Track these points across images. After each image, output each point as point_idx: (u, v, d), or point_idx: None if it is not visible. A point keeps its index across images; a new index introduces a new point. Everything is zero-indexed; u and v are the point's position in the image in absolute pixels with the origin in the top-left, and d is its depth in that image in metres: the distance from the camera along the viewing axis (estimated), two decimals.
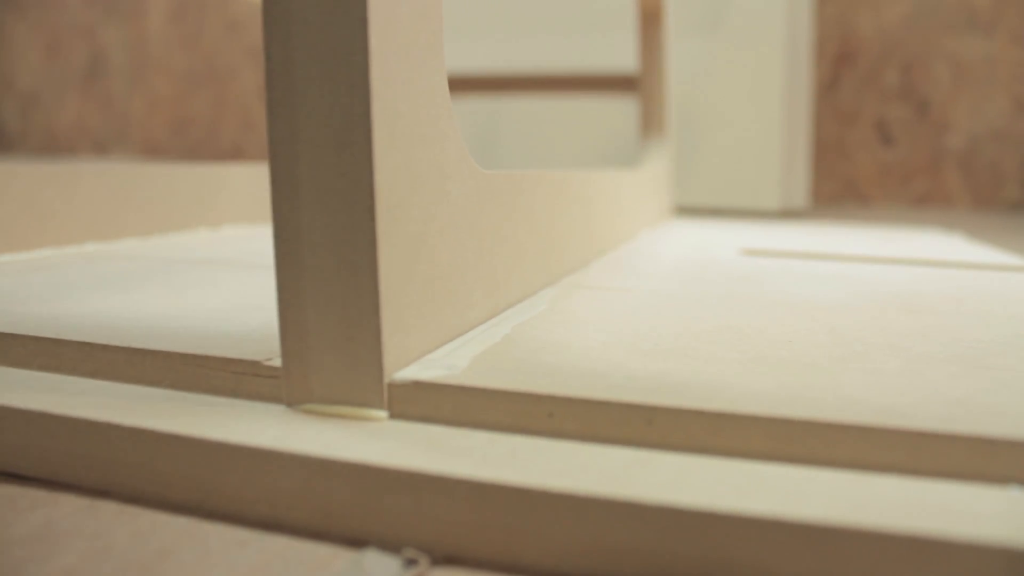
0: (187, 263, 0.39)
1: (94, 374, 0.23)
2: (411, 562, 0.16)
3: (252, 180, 0.59)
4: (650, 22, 0.76)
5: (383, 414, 0.19)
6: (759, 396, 0.19)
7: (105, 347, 0.23)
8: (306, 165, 0.19)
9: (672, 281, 0.37)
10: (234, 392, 0.21)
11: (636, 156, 1.02)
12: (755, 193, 0.99)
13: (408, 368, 0.20)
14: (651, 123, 0.78)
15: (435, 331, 0.22)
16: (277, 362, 0.21)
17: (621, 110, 1.04)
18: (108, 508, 0.19)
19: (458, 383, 0.19)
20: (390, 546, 0.17)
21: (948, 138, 1.28)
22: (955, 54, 1.25)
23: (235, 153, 1.64)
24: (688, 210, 1.01)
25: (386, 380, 0.19)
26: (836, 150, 1.33)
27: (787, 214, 1.02)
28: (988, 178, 1.26)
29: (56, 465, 0.20)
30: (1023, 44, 1.22)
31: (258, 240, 0.50)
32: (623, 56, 1.02)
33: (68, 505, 0.19)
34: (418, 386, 0.20)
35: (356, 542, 0.17)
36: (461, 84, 0.99)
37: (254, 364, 0.21)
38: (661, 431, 0.18)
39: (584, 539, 0.16)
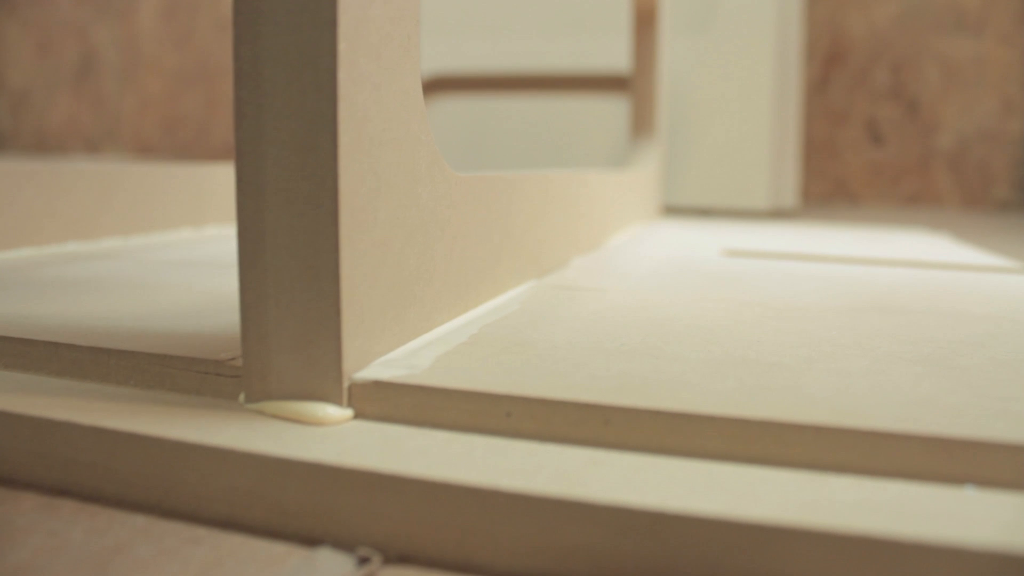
0: (166, 263, 0.39)
1: (60, 373, 0.23)
2: (364, 560, 0.16)
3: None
4: (645, 23, 0.76)
5: (343, 414, 0.19)
6: (718, 396, 0.19)
7: (71, 347, 0.23)
8: (272, 167, 0.19)
9: (648, 282, 0.38)
10: (198, 391, 0.21)
11: (626, 155, 1.02)
12: (744, 193, 0.99)
13: (369, 368, 0.20)
14: (642, 124, 0.78)
15: (400, 331, 0.22)
16: (240, 362, 0.21)
17: (612, 110, 1.04)
18: (67, 506, 0.19)
19: (418, 383, 0.19)
20: (344, 544, 0.17)
21: (938, 138, 1.28)
22: (944, 54, 1.26)
23: (227, 152, 1.64)
24: (677, 210, 1.02)
25: (346, 380, 0.19)
26: (826, 150, 1.33)
27: (776, 214, 1.02)
28: (977, 178, 1.27)
29: (16, 464, 0.20)
30: (1012, 44, 1.22)
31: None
32: (613, 56, 1.02)
33: (27, 503, 0.19)
34: (378, 386, 0.20)
35: (311, 540, 0.17)
36: (452, 84, 0.99)
37: (217, 363, 0.21)
38: (618, 431, 0.18)
39: (536, 539, 0.16)
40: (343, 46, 0.18)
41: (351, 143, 0.19)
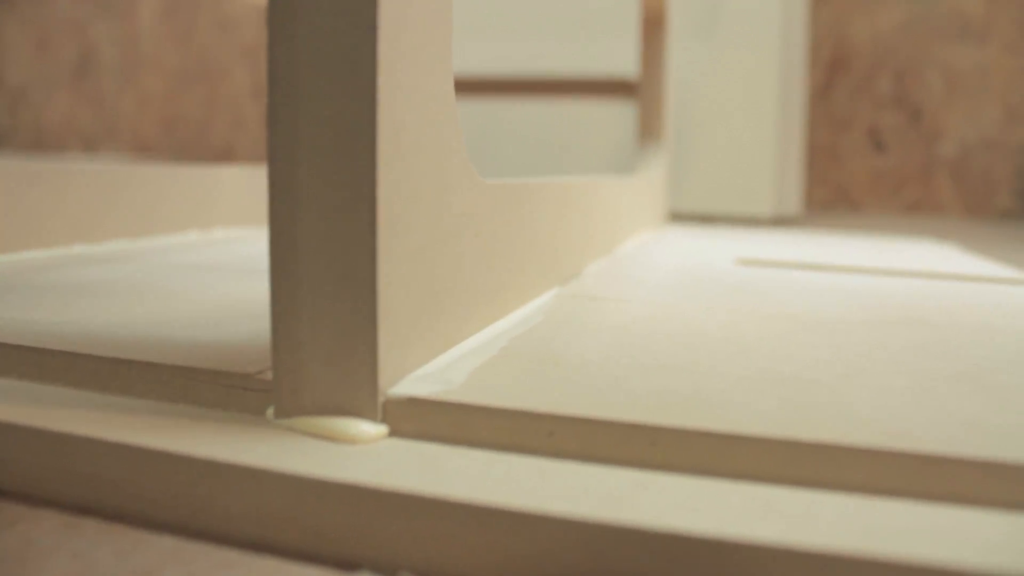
0: (177, 267, 0.39)
1: (78, 385, 0.22)
2: None
3: (244, 182, 0.58)
4: (653, 27, 0.76)
5: (378, 431, 0.19)
6: (764, 415, 0.19)
7: (89, 357, 0.22)
8: (306, 173, 0.18)
9: (668, 291, 0.37)
10: (224, 405, 0.21)
11: (630, 161, 1.02)
12: (748, 199, 0.99)
13: (403, 383, 0.20)
14: (649, 129, 0.77)
15: (431, 344, 0.22)
16: (269, 375, 0.20)
17: (611, 115, 1.03)
18: (90, 526, 0.18)
19: (455, 400, 0.19)
20: (384, 569, 0.16)
21: (940, 146, 1.28)
22: (948, 62, 1.26)
23: (226, 153, 1.63)
24: (680, 216, 1.01)
25: (381, 396, 0.19)
26: (828, 156, 1.33)
27: (780, 221, 1.02)
28: (980, 187, 1.26)
29: (36, 480, 0.19)
30: (1016, 53, 1.22)
31: (249, 244, 0.50)
32: (616, 61, 1.02)
33: (49, 522, 0.18)
34: (414, 403, 0.19)
35: (348, 564, 0.17)
36: (456, 87, 0.98)
37: (245, 377, 0.20)
38: (665, 452, 0.18)
39: (586, 564, 0.15)
40: (383, 49, 0.18)
41: (389, 149, 0.18)
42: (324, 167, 0.18)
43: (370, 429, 0.19)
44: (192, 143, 1.65)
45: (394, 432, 0.19)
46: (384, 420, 0.19)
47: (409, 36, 0.19)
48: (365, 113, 0.18)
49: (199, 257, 0.42)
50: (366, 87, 0.18)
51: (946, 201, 1.29)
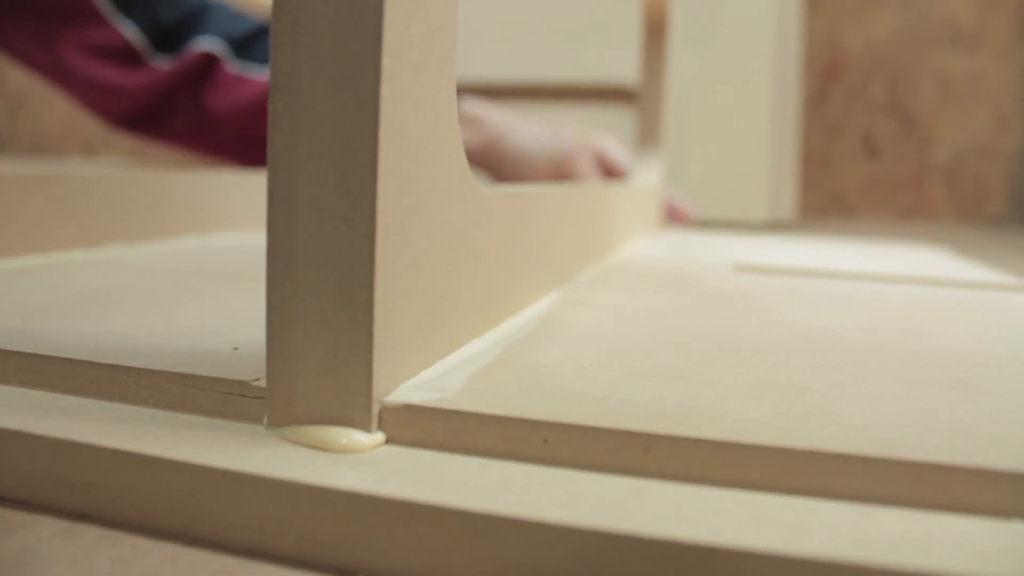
0: (175, 274, 0.39)
1: (76, 392, 0.22)
2: None
3: (241, 187, 0.58)
4: (655, 34, 0.76)
5: (372, 440, 0.19)
6: (757, 423, 0.19)
7: (89, 363, 0.22)
8: (305, 183, 0.18)
9: (664, 297, 0.37)
10: (221, 413, 0.21)
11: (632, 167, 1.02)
12: (743, 205, 0.99)
13: (398, 391, 0.20)
14: (648, 135, 0.77)
15: (427, 353, 0.22)
16: (265, 382, 0.20)
17: (613, 121, 1.04)
18: (89, 532, 0.18)
19: (451, 407, 0.19)
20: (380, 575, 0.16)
21: (933, 152, 1.28)
22: (940, 70, 1.26)
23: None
24: None
25: (375, 405, 0.19)
26: (822, 163, 1.33)
27: (774, 226, 1.02)
28: (972, 192, 1.27)
29: (33, 487, 0.19)
30: (1007, 60, 1.23)
31: (247, 250, 0.50)
32: (615, 68, 1.02)
33: (46, 529, 0.18)
34: (409, 410, 0.19)
35: (345, 571, 0.17)
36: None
37: (241, 384, 0.20)
38: (659, 459, 0.18)
39: (581, 571, 0.16)
40: (387, 62, 0.18)
41: (390, 161, 0.18)
42: (324, 178, 0.18)
43: (363, 439, 0.19)
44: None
45: (389, 440, 0.19)
46: (379, 428, 0.19)
47: (413, 47, 0.19)
48: (367, 124, 0.18)
49: (198, 263, 0.43)
50: (369, 98, 0.18)
51: (939, 207, 1.29)
